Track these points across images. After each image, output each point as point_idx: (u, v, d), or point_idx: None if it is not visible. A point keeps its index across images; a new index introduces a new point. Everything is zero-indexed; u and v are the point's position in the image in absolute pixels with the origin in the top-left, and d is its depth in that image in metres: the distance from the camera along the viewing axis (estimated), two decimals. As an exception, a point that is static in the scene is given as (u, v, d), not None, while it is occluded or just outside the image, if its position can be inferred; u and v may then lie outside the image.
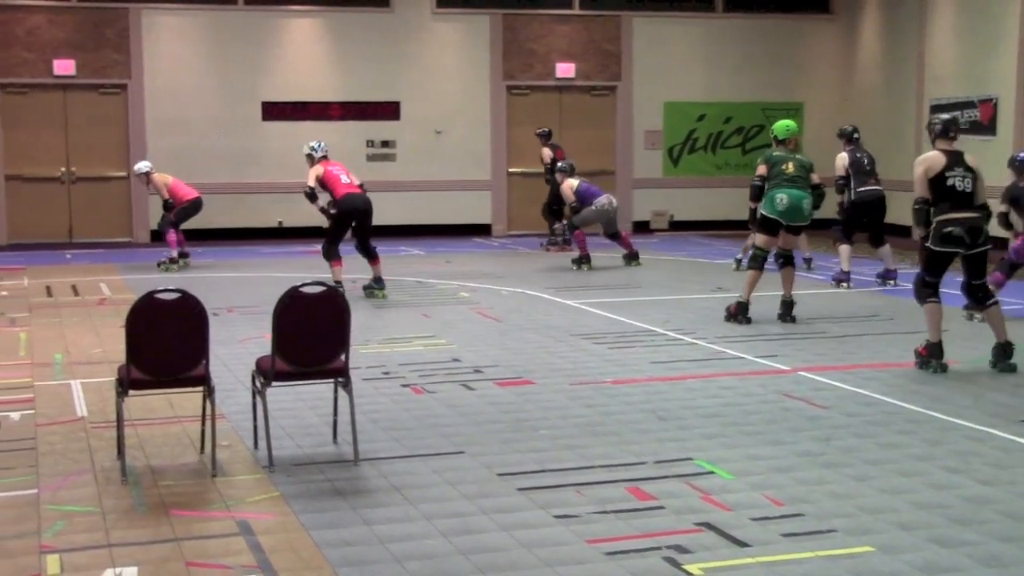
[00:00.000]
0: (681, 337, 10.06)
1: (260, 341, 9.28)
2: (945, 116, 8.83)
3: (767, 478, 5.91)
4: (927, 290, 8.58)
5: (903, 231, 17.31)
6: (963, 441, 6.61)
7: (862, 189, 12.98)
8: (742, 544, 4.98)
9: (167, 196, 15.49)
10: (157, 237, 19.04)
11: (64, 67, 18.81)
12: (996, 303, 8.70)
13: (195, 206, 15.63)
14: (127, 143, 19.20)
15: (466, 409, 7.46)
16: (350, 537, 5.10)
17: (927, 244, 8.50)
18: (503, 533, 5.14)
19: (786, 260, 10.90)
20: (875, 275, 13.32)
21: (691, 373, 8.55)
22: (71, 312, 11.71)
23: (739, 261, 14.70)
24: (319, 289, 6.18)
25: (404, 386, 8.15)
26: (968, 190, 8.39)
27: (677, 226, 20.81)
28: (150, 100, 19.18)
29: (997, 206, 10.67)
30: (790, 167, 10.79)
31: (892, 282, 12.93)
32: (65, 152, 19.12)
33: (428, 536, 5.11)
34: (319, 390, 7.20)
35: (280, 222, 19.55)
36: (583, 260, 15.27)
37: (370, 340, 9.78)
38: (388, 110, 19.99)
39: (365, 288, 12.70)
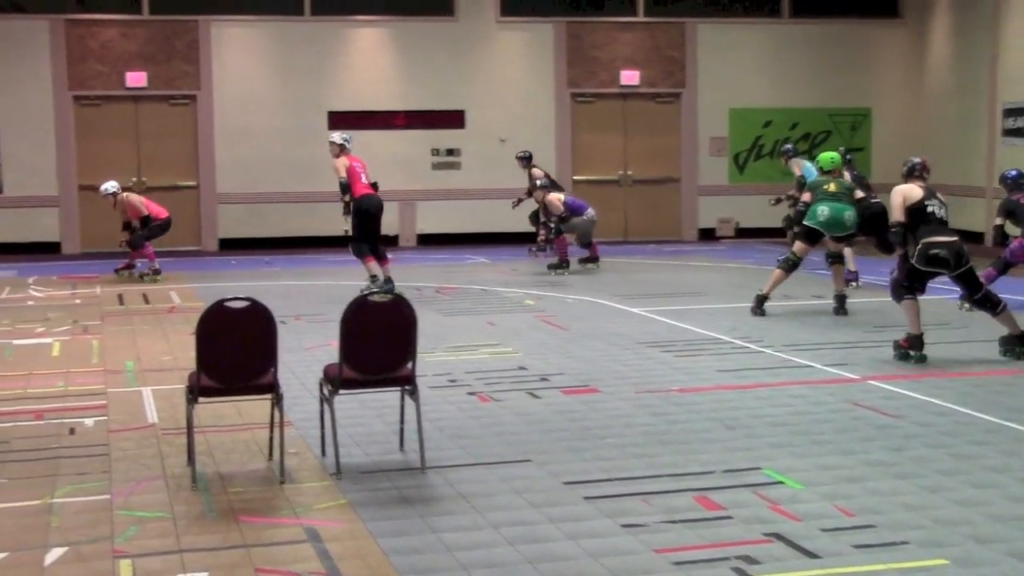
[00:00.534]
0: (748, 345, 9.98)
1: (327, 349, 9.34)
2: (915, 160, 9.78)
3: (837, 488, 5.84)
4: (904, 290, 9.33)
5: (975, 237, 17.10)
6: (1038, 451, 6.50)
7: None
8: (812, 555, 4.92)
9: (144, 213, 15.37)
10: (227, 246, 19.30)
11: (136, 79, 19.09)
12: (1005, 306, 9.41)
13: (167, 225, 15.68)
14: (196, 153, 19.44)
15: (532, 417, 7.46)
16: (417, 545, 5.11)
17: (911, 262, 9.26)
18: (570, 542, 5.12)
19: (836, 259, 12.02)
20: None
21: (759, 381, 8.48)
22: (142, 320, 11.87)
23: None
24: (387, 298, 6.21)
25: (470, 394, 8.16)
26: (945, 218, 9.35)
27: (743, 233, 20.65)
28: (219, 110, 19.40)
29: (994, 219, 12.07)
30: (832, 186, 11.74)
31: (854, 284, 13.21)
32: (136, 162, 19.39)
33: (495, 545, 5.11)
34: (385, 398, 7.23)
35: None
36: (563, 265, 15.68)
37: (436, 348, 9.81)
38: (453, 119, 20.05)
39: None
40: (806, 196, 11.92)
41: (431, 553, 5.02)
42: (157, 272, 15.34)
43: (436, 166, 19.94)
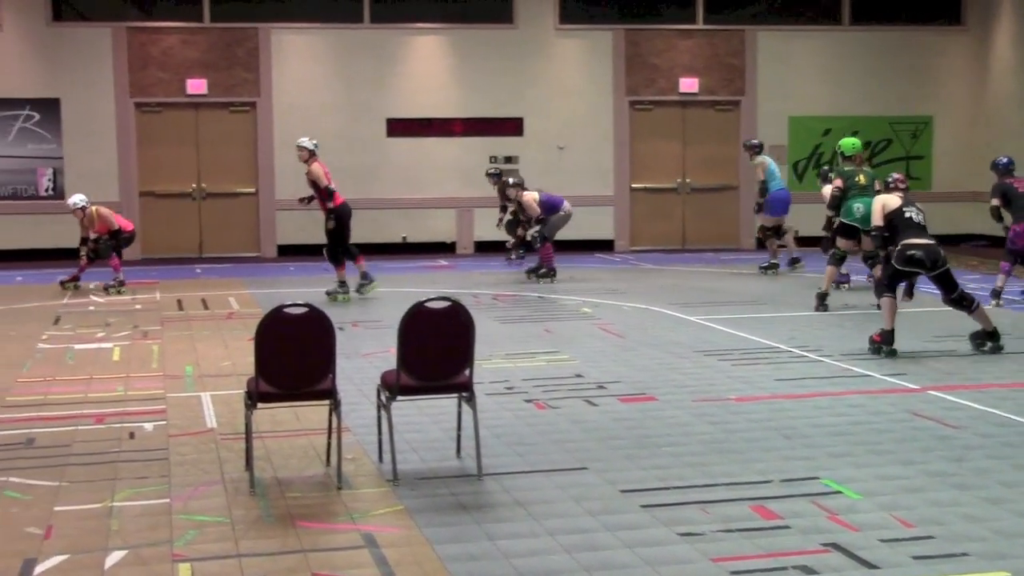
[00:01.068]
0: (806, 354, 9.90)
1: (384, 355, 9.38)
2: (894, 175, 11.18)
3: (897, 499, 5.77)
4: (885, 288, 10.03)
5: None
6: (1104, 464, 6.39)
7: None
8: (871, 566, 4.87)
9: (114, 227, 15.02)
10: (285, 252, 19.44)
11: (196, 86, 19.31)
12: (979, 305, 10.06)
13: (133, 237, 15.45)
14: (256, 160, 19.62)
15: (589, 425, 7.44)
16: (474, 552, 5.12)
17: (892, 263, 9.99)
18: (627, 550, 5.10)
19: (875, 260, 12.24)
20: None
21: (817, 391, 8.41)
22: (201, 325, 11.98)
23: (765, 268, 16.17)
24: (444, 304, 6.22)
25: (527, 401, 8.16)
26: (923, 223, 10.03)
27: (802, 242, 20.43)
28: (278, 117, 19.57)
29: (990, 202, 13.08)
30: (862, 179, 12.59)
31: (846, 285, 14.05)
32: (196, 169, 19.61)
33: (552, 552, 5.10)
34: (442, 404, 7.24)
35: (404, 237, 19.77)
36: (550, 273, 15.54)
37: (493, 355, 9.82)
38: (511, 126, 20.08)
39: (327, 292, 13.76)
40: (838, 182, 12.61)
41: (487, 560, 5.02)
42: (122, 283, 14.86)
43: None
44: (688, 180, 20.55)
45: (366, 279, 14.05)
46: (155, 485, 6.19)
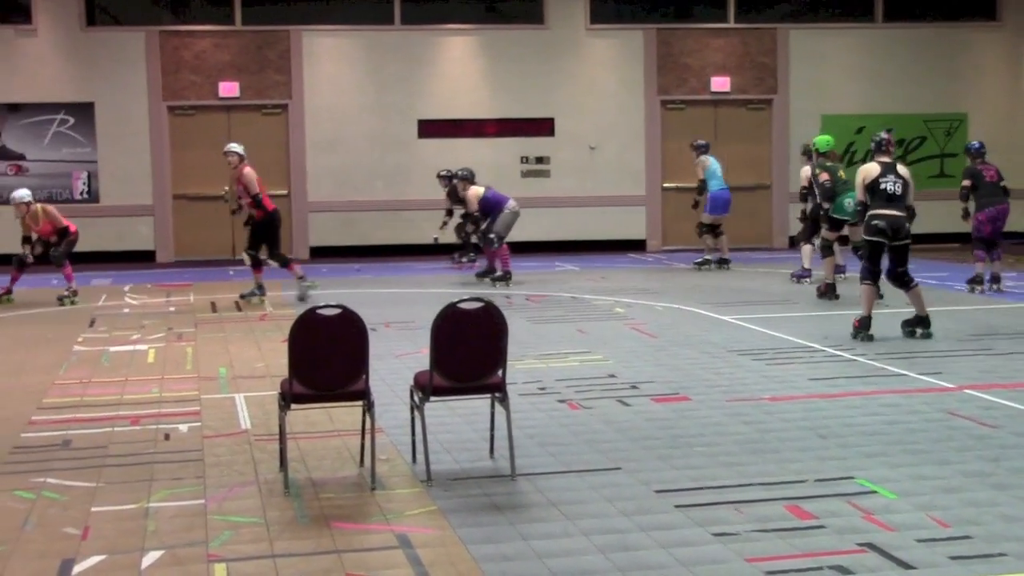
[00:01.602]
0: (840, 353, 9.85)
1: (416, 356, 9.39)
2: (882, 135, 10.72)
3: (933, 499, 5.73)
4: (866, 274, 10.47)
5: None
6: None
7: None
8: (907, 566, 4.84)
9: (62, 224, 14.23)
10: (318, 254, 19.49)
11: (229, 89, 19.42)
12: (917, 284, 10.55)
13: (76, 238, 14.49)
14: (288, 162, 19.69)
15: (622, 425, 7.43)
16: (508, 552, 5.11)
17: (863, 235, 10.48)
18: (661, 550, 5.09)
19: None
20: (790, 273, 15.10)
21: (851, 390, 8.36)
22: (234, 327, 12.04)
23: (699, 264, 16.83)
24: (477, 305, 6.22)
25: (560, 401, 8.15)
26: (897, 193, 10.30)
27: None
28: (310, 119, 19.65)
29: (961, 183, 13.69)
30: (843, 174, 13.45)
31: (807, 280, 14.62)
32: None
33: (586, 552, 5.09)
34: (475, 405, 7.25)
35: (435, 239, 19.78)
36: (506, 277, 15.25)
37: (526, 355, 9.81)
38: (543, 127, 20.09)
39: (244, 296, 13.93)
40: (825, 176, 13.30)
41: (521, 560, 5.02)
42: (75, 293, 14.19)
43: (525, 174, 19.99)
44: (720, 179, 20.45)
45: (260, 291, 14.05)
46: (190, 486, 6.22)
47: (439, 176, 17.89)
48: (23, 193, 14.25)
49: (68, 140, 19.23)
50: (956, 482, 6.01)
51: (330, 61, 19.75)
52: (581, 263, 18.08)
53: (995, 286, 13.62)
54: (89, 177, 19.28)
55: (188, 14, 19.78)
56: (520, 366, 9.24)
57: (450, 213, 17.71)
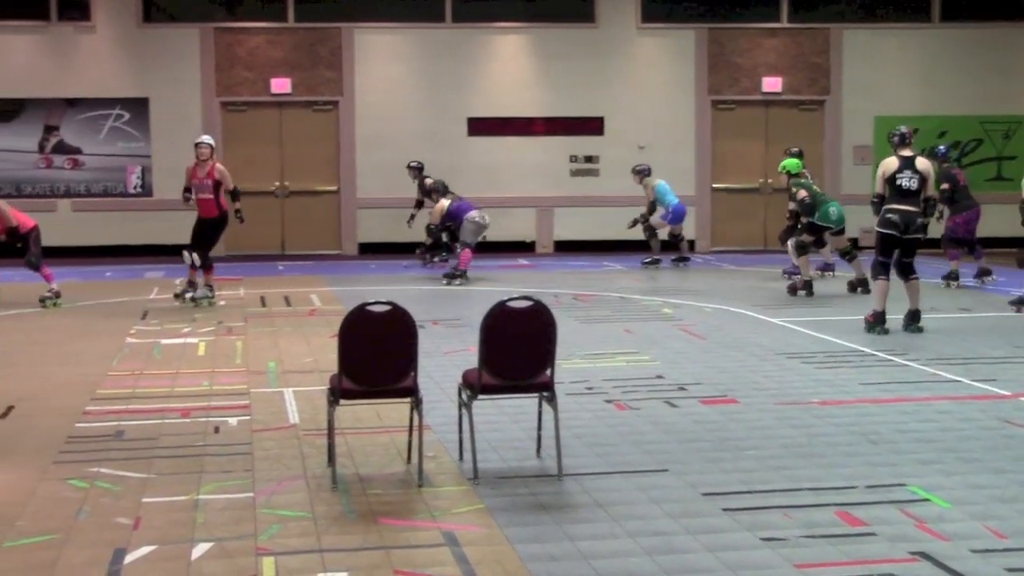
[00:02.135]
0: (892, 358, 9.74)
1: (464, 354, 9.39)
2: (903, 129, 11.19)
3: (988, 508, 5.64)
4: (880, 269, 10.85)
5: None
6: None
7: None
8: (961, 576, 4.77)
9: (12, 224, 13.07)
10: (368, 250, 19.58)
11: (280, 85, 19.53)
12: (917, 278, 11.00)
13: (37, 234, 13.31)
14: (338, 158, 19.77)
15: (670, 427, 7.39)
16: (554, 552, 5.10)
17: (876, 227, 10.87)
18: (708, 554, 5.05)
19: (852, 255, 14.41)
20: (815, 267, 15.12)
21: (904, 396, 8.27)
22: (283, 322, 12.10)
23: (648, 263, 17.37)
24: (527, 304, 6.20)
25: (607, 402, 8.13)
26: (912, 188, 10.70)
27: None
28: (360, 116, 19.71)
29: (941, 187, 13.95)
30: (816, 187, 14.67)
31: (831, 273, 15.45)
32: (280, 167, 19.82)
33: (632, 554, 5.07)
34: (522, 403, 7.23)
35: (483, 236, 19.78)
36: (462, 275, 15.47)
37: (573, 355, 9.79)
38: (592, 125, 20.04)
39: (193, 297, 13.47)
40: (803, 193, 14.10)
41: (568, 561, 5.00)
42: (58, 295, 13.28)
43: (574, 173, 19.95)
44: (770, 181, 20.30)
45: (211, 290, 13.55)
46: (239, 479, 6.26)
47: (409, 167, 18.06)
48: None
49: (123, 135, 19.41)
50: (1012, 492, 5.91)
51: (381, 58, 19.81)
52: (629, 263, 18.02)
53: (987, 279, 14.60)
54: (143, 172, 19.46)
55: (242, 11, 19.90)
56: (567, 366, 9.22)
57: (419, 205, 17.79)
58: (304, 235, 19.86)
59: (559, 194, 19.78)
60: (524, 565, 4.95)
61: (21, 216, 13.31)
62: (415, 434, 6.35)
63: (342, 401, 6.23)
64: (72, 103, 19.30)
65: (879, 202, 10.87)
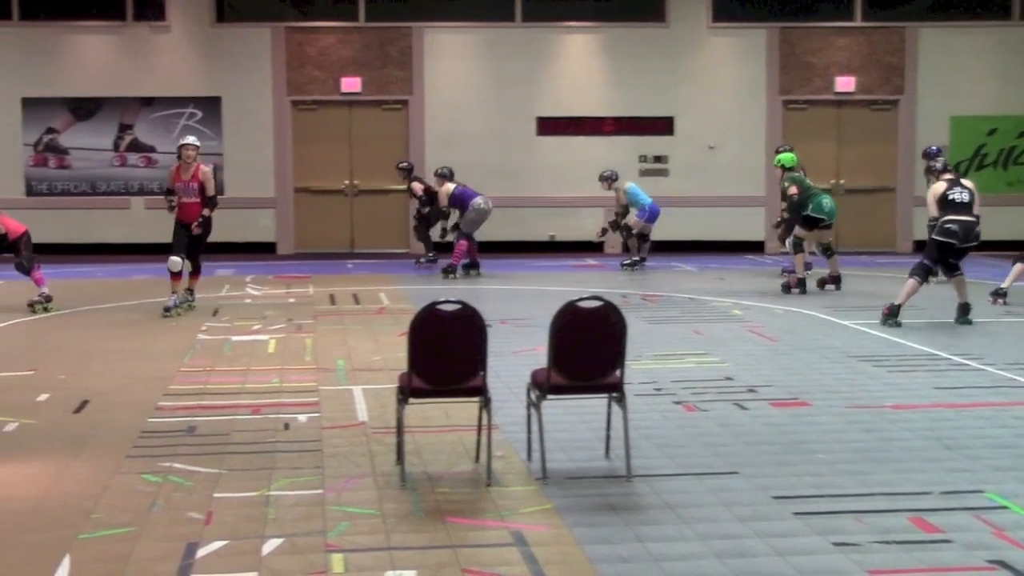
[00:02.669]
0: (967, 362, 9.58)
1: (532, 354, 9.38)
2: (940, 161, 12.48)
3: (1067, 516, 5.54)
4: (920, 271, 11.52)
5: None
6: None
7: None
8: (1039, 585, 4.68)
9: (2, 231, 12.81)
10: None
11: (351, 84, 19.65)
12: (961, 274, 11.65)
13: (27, 238, 13.02)
14: (407, 157, 19.82)
15: (739, 429, 7.33)
16: (623, 553, 5.07)
17: (933, 236, 11.55)
18: (779, 558, 5.00)
19: (831, 251, 14.74)
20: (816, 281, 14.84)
21: (980, 401, 8.13)
22: (352, 320, 12.17)
23: (629, 265, 17.07)
24: (596, 304, 6.18)
25: (676, 403, 8.08)
26: (965, 201, 11.54)
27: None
28: (430, 115, 19.78)
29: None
30: (809, 180, 14.75)
31: (834, 287, 14.79)
32: (349, 166, 19.94)
33: (702, 557, 5.03)
34: (590, 404, 7.20)
35: (552, 236, 19.79)
36: (451, 270, 15.79)
37: (642, 356, 9.74)
38: (661, 125, 19.94)
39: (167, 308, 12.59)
40: (793, 190, 14.31)
41: (637, 562, 4.97)
42: (49, 299, 12.86)
43: (644, 172, 19.85)
44: (842, 181, 20.10)
45: (191, 299, 12.90)
46: (309, 476, 6.30)
47: (398, 168, 18.04)
48: None
49: (196, 133, 19.47)
50: (1090, 499, 5.80)
51: (451, 58, 19.86)
52: (698, 263, 17.91)
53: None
54: (215, 170, 19.60)
55: (313, 11, 20.06)
56: (636, 366, 9.16)
57: (419, 213, 17.87)
58: (373, 233, 19.97)
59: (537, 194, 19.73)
60: (592, 566, 4.93)
61: (10, 222, 13.03)
62: (483, 433, 6.35)
63: (411, 400, 6.25)
64: (147, 102, 19.58)
65: (935, 224, 11.58)
